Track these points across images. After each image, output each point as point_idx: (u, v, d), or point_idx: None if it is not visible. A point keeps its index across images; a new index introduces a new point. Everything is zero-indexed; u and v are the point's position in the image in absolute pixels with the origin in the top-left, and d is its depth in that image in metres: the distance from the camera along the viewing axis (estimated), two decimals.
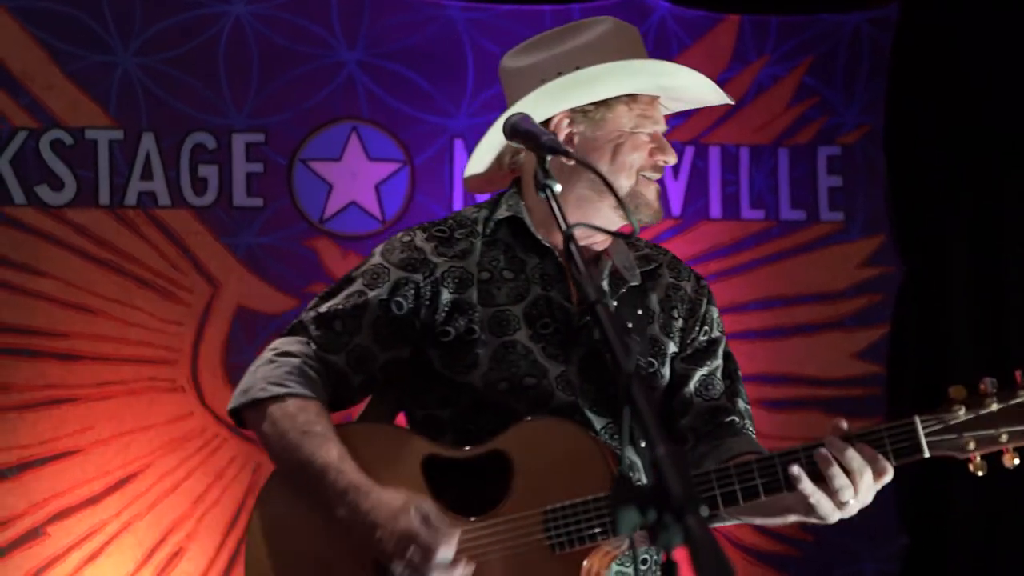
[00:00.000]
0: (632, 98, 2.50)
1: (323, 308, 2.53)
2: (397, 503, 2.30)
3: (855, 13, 5.22)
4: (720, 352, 2.63)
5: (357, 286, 2.52)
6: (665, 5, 5.07)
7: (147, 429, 4.67)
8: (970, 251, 5.19)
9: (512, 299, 2.50)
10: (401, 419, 2.64)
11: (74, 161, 4.69)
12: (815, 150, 5.20)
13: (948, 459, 2.31)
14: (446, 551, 2.28)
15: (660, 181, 2.57)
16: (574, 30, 2.54)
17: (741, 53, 5.14)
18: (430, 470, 2.40)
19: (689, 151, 5.04)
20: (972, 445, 2.29)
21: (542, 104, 2.48)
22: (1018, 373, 2.32)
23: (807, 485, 2.26)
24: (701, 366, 2.59)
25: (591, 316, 1.83)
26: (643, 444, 2.19)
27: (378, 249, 2.57)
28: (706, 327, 2.62)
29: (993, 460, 2.32)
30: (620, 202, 2.06)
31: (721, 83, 5.04)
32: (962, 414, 2.30)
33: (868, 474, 2.25)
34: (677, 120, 4.70)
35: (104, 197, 4.71)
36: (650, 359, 2.54)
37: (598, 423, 2.48)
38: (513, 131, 2.22)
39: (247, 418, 2.51)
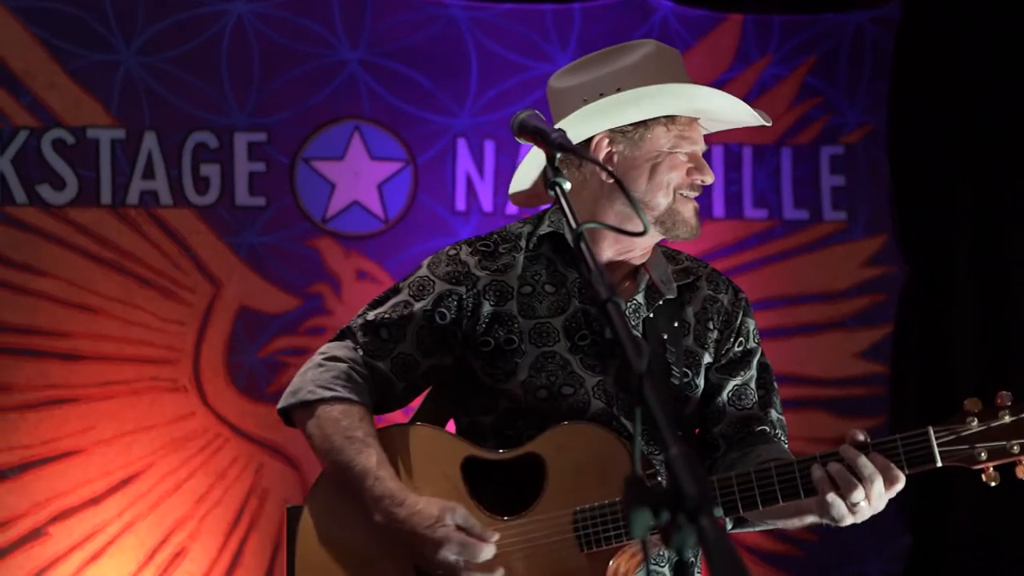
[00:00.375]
0: (671, 119, 2.58)
1: (370, 316, 2.65)
2: (434, 511, 2.43)
3: (857, 12, 5.22)
4: (754, 363, 2.71)
5: (403, 296, 2.64)
6: (668, 4, 5.06)
7: (149, 429, 4.66)
8: (973, 251, 5.18)
9: (552, 312, 2.61)
10: (451, 425, 2.75)
11: (76, 160, 4.68)
12: (818, 150, 5.20)
13: (961, 469, 2.38)
14: (488, 552, 2.41)
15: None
16: (618, 52, 2.61)
17: (744, 53, 5.14)
18: (469, 471, 2.52)
19: None
20: (984, 456, 2.36)
21: (584, 124, 2.56)
22: None
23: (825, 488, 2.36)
24: (735, 376, 2.67)
25: (602, 315, 1.82)
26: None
27: (425, 262, 2.68)
28: (741, 338, 2.70)
29: (1006, 470, 2.38)
30: (631, 200, 2.05)
31: (724, 83, 5.07)
32: (975, 425, 2.37)
33: (880, 482, 2.35)
34: None
35: (106, 196, 4.70)
36: (685, 369, 2.63)
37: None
38: (521, 128, 2.22)
39: (295, 418, 2.63)
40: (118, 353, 4.66)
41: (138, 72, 4.72)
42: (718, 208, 5.10)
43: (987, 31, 5.09)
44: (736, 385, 2.67)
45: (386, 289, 2.69)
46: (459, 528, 2.42)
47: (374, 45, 4.88)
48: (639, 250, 2.64)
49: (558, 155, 2.10)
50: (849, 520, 2.38)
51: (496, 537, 2.43)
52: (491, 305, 2.60)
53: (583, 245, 1.94)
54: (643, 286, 2.64)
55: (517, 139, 2.28)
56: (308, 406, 2.58)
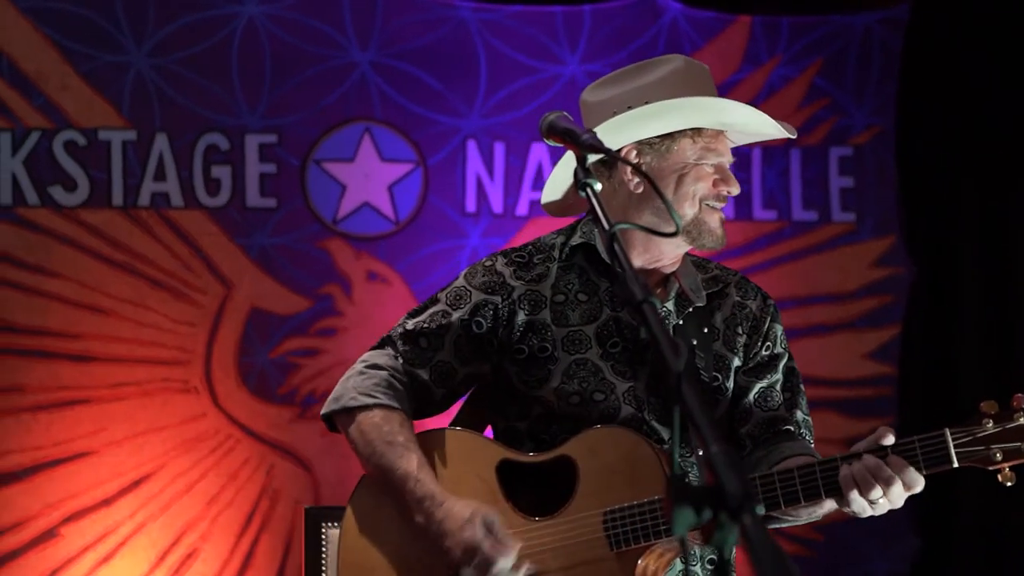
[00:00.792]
0: (697, 131, 2.63)
1: (409, 325, 2.73)
2: (465, 513, 2.51)
3: (865, 14, 5.23)
4: (781, 367, 2.76)
5: (441, 306, 2.72)
6: (677, 6, 5.08)
7: (160, 430, 4.67)
8: (979, 252, 5.20)
9: (585, 320, 2.68)
10: (489, 431, 2.83)
11: (87, 162, 4.69)
12: (827, 151, 5.21)
13: (977, 470, 2.44)
14: (505, 561, 2.49)
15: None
16: (647, 67, 2.67)
17: (753, 54, 5.15)
18: (504, 473, 2.61)
19: None
20: (1000, 456, 2.42)
21: (612, 135, 2.60)
22: None
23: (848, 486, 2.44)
24: (761, 379, 2.73)
25: (637, 315, 1.83)
26: (699, 446, 2.30)
27: (462, 273, 2.77)
28: (768, 343, 2.76)
29: (1021, 470, 2.43)
30: (663, 200, 2.08)
31: (732, 84, 5.08)
32: (990, 427, 2.42)
33: (899, 484, 2.41)
34: None
35: (117, 198, 4.71)
36: (715, 374, 2.69)
37: (666, 434, 2.65)
38: (551, 129, 2.24)
39: (338, 423, 2.71)
40: (130, 354, 4.67)
41: (149, 74, 4.72)
42: (727, 209, 5.02)
43: (995, 33, 5.11)
44: (762, 388, 2.73)
45: (425, 300, 2.78)
46: (488, 533, 2.49)
47: (384, 47, 4.89)
48: (668, 259, 2.70)
49: (588, 157, 2.12)
50: (868, 514, 2.46)
51: (519, 546, 2.50)
52: (525, 314, 2.67)
53: (616, 245, 1.94)
54: (673, 294, 2.70)
55: (546, 141, 2.29)
56: (350, 412, 2.66)
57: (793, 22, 5.20)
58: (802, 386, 2.79)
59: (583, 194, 2.08)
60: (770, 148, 5.16)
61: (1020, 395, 2.43)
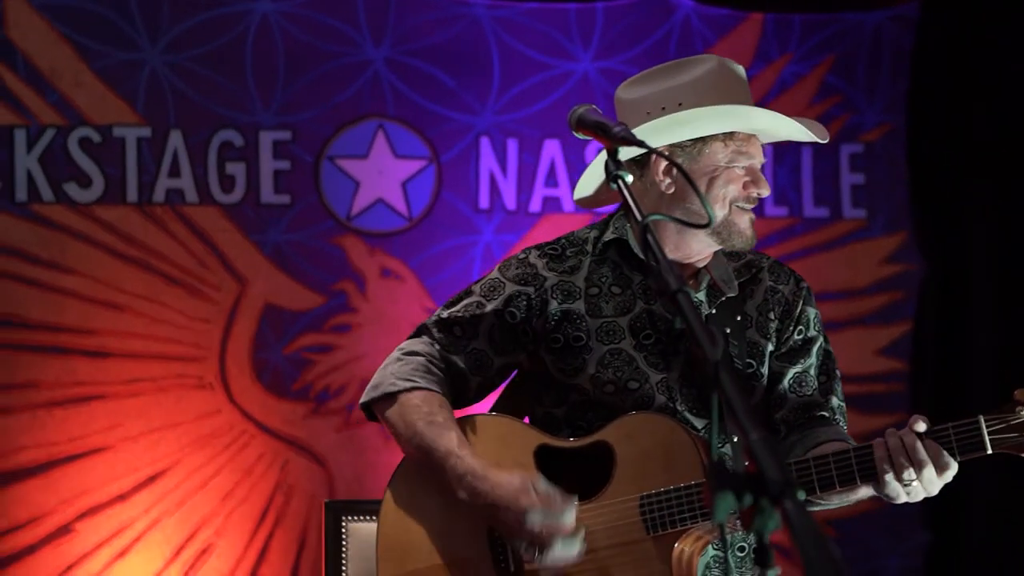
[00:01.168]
0: (729, 135, 2.65)
1: (444, 314, 2.78)
2: (516, 483, 2.55)
3: (876, 11, 5.24)
4: (815, 351, 2.78)
5: (475, 297, 2.77)
6: (689, 3, 5.09)
7: (175, 426, 4.68)
8: (990, 248, 5.21)
9: (618, 312, 2.72)
10: (527, 419, 2.86)
11: (102, 158, 4.69)
12: (838, 148, 5.22)
13: (1011, 456, 2.48)
14: (569, 523, 2.51)
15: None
16: (683, 66, 2.69)
17: (764, 51, 5.16)
18: (542, 458, 2.64)
19: None
20: None
21: (644, 138, 2.60)
22: None
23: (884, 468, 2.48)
24: (795, 364, 2.75)
25: (673, 305, 1.85)
26: (734, 433, 2.34)
27: (497, 266, 2.82)
28: (800, 327, 2.77)
29: None
30: (697, 192, 2.09)
31: None
32: None
33: (931, 468, 2.45)
34: None
35: (132, 194, 4.72)
36: (749, 360, 2.72)
37: (698, 423, 2.69)
38: (580, 123, 2.25)
39: (377, 410, 2.75)
40: (145, 350, 4.68)
41: (163, 71, 4.73)
42: None
43: (1006, 30, 5.12)
44: (797, 372, 2.75)
45: (459, 291, 2.82)
46: (544, 500, 2.51)
47: (398, 44, 4.90)
48: (697, 256, 2.73)
49: (620, 151, 2.13)
50: (903, 499, 2.50)
51: (576, 501, 2.53)
52: (558, 303, 2.71)
53: (649, 236, 1.96)
54: (704, 285, 2.73)
55: (575, 134, 2.30)
56: (390, 397, 2.70)
57: (805, 19, 5.21)
58: (838, 371, 2.80)
59: (614, 186, 2.09)
60: (781, 145, 5.13)
61: None
